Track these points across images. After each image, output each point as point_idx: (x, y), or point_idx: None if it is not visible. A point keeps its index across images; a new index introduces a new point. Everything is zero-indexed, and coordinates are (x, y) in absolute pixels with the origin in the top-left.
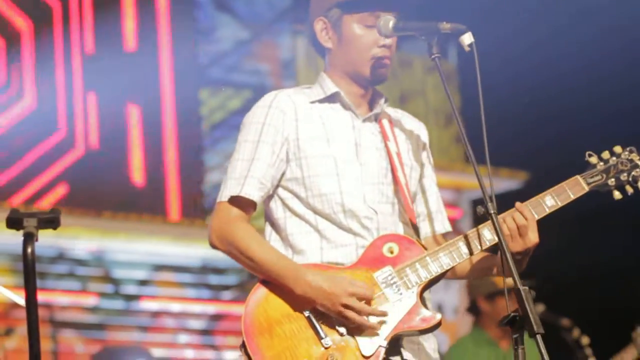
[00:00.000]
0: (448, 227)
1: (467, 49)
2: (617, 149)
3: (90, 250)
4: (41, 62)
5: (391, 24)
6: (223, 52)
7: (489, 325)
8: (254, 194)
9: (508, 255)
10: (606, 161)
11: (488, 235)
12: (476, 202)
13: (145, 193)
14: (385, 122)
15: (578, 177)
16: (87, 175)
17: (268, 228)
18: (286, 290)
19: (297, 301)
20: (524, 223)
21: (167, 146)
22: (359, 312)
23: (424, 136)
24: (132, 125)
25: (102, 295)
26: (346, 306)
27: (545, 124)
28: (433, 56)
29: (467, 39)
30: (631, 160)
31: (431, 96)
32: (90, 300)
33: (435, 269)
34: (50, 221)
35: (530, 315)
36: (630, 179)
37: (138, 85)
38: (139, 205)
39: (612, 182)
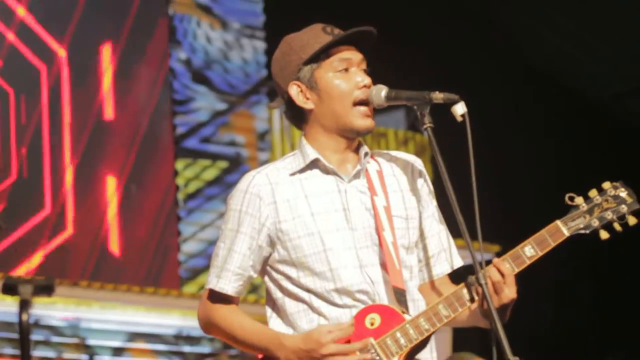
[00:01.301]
0: (457, 262)
1: (459, 119)
2: (605, 185)
3: (66, 318)
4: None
5: (383, 93)
6: (199, 123)
7: None
8: (228, 287)
9: (498, 325)
10: (591, 200)
11: (467, 295)
12: (468, 270)
13: (121, 263)
14: (372, 172)
15: (558, 222)
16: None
17: (268, 309)
18: None
19: None
20: (498, 279)
21: (142, 216)
22: (344, 354)
23: (419, 165)
24: (109, 195)
25: None
26: (327, 355)
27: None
28: (425, 126)
29: (460, 108)
30: (616, 197)
31: None
32: None
33: (415, 336)
34: (46, 288)
35: None
36: (616, 216)
37: (114, 155)
38: (115, 275)
39: (595, 222)
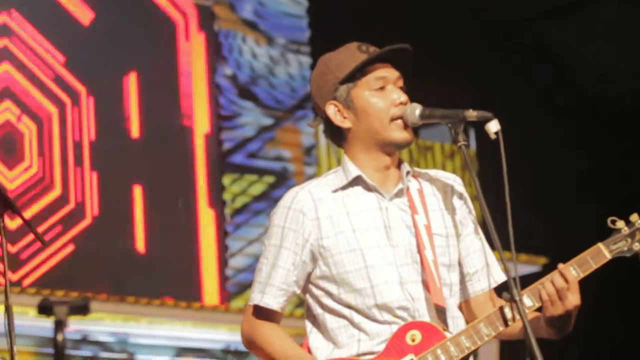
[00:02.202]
0: (499, 278)
1: (493, 136)
2: None
3: (114, 333)
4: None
5: (417, 111)
6: (246, 138)
7: None
8: (273, 303)
9: (534, 343)
10: (632, 224)
11: (509, 314)
12: (501, 288)
13: (169, 278)
14: (414, 191)
15: (600, 244)
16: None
17: (309, 324)
18: None
19: None
20: (562, 285)
21: (198, 232)
22: None
23: (459, 187)
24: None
25: None
26: None
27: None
28: (459, 144)
29: (494, 126)
30: None
31: None
32: None
33: (456, 354)
34: (81, 308)
35: None
36: None
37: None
38: (162, 290)
39: (637, 246)
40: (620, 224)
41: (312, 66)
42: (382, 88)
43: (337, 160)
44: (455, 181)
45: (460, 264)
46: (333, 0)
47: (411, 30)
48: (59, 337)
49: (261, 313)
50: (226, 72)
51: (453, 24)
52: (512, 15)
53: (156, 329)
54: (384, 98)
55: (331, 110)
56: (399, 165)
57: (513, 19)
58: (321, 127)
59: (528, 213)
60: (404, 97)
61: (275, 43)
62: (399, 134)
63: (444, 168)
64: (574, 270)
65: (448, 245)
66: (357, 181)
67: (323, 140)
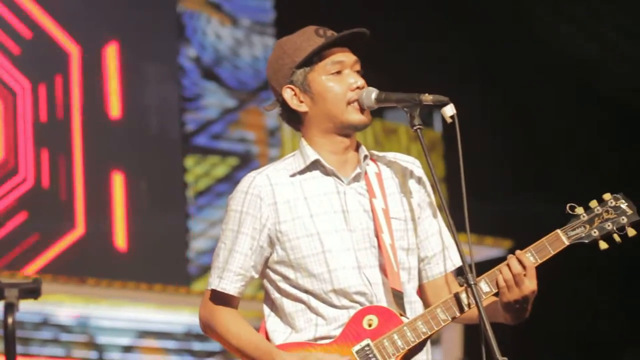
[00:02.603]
0: (457, 261)
1: (449, 120)
2: (606, 196)
3: (75, 316)
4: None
5: (373, 95)
6: (209, 120)
7: None
8: (230, 288)
9: (488, 328)
10: (591, 211)
11: (465, 299)
12: (459, 270)
13: (129, 260)
14: (372, 175)
15: (558, 231)
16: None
17: (266, 308)
18: None
19: None
20: (519, 271)
21: (151, 213)
22: None
23: (418, 171)
24: (116, 192)
25: None
26: None
27: (530, 191)
28: (415, 127)
29: (449, 110)
30: (617, 208)
31: None
32: None
33: (412, 339)
34: (32, 291)
35: None
36: (615, 227)
37: (123, 152)
38: (123, 272)
39: (595, 232)
40: (579, 210)
41: None
42: (338, 72)
43: None
44: (414, 164)
45: (418, 248)
46: None
47: (376, 8)
48: (9, 320)
49: (219, 298)
50: (190, 54)
51: None
52: None
53: (117, 311)
54: (340, 82)
55: (288, 94)
56: (357, 148)
57: None
58: (278, 111)
59: (493, 195)
60: (360, 82)
61: (239, 24)
62: (356, 116)
63: (409, 151)
64: (531, 256)
65: (406, 229)
66: (314, 165)
67: (289, 125)
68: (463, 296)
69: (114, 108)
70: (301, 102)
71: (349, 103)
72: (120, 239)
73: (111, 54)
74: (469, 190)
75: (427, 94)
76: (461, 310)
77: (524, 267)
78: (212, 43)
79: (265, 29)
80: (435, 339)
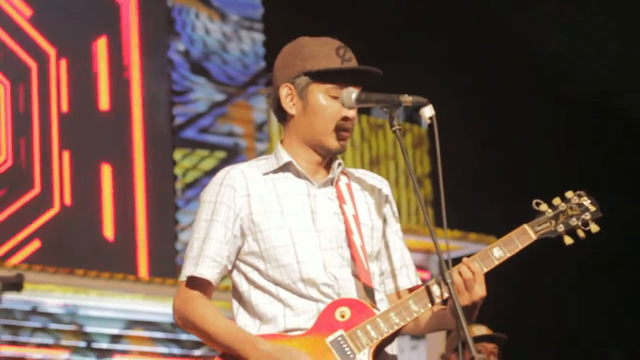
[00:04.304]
0: (415, 281)
1: (427, 121)
2: (569, 194)
3: (63, 305)
4: (18, 120)
5: (354, 96)
6: (198, 113)
7: None
8: (207, 272)
9: (462, 321)
10: (555, 207)
11: (437, 291)
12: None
13: (117, 251)
14: (342, 184)
15: (525, 225)
16: (60, 232)
17: (235, 303)
18: None
19: None
20: (469, 277)
21: (138, 205)
22: None
23: (386, 190)
24: (105, 184)
25: (75, 350)
26: None
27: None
28: (394, 128)
29: (428, 111)
30: (580, 205)
31: (401, 160)
32: (63, 355)
33: (385, 329)
34: (14, 285)
35: None
36: (580, 222)
37: (111, 144)
38: (111, 263)
39: (561, 227)
40: (544, 206)
41: (265, 43)
42: (337, 97)
43: None
44: (382, 183)
45: (384, 259)
46: None
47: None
48: None
49: (195, 285)
50: (179, 48)
51: None
52: None
53: (106, 301)
54: (335, 107)
55: (284, 91)
56: (330, 160)
57: None
58: (269, 100)
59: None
60: (352, 114)
61: (228, 19)
62: (335, 144)
63: (395, 146)
64: (500, 250)
65: (372, 236)
66: (287, 167)
67: (275, 116)
68: (434, 288)
69: (103, 101)
70: (293, 104)
71: (335, 129)
72: (108, 229)
73: (101, 48)
74: (454, 187)
75: (406, 95)
76: (432, 302)
77: (472, 272)
78: (201, 37)
79: (254, 24)
80: (419, 335)
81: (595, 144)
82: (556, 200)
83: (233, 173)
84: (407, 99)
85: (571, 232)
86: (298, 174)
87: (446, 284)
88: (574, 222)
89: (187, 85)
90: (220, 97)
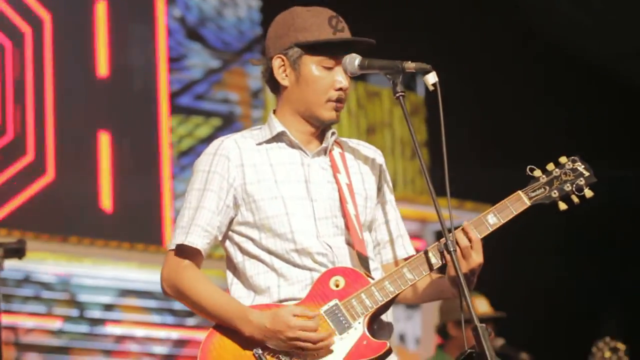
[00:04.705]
0: (411, 251)
1: (431, 88)
2: (562, 159)
3: (57, 274)
4: (14, 86)
5: (357, 62)
6: (193, 80)
7: (454, 351)
8: (198, 242)
9: (466, 291)
10: (549, 173)
11: (433, 259)
12: (440, 234)
13: (113, 220)
14: (336, 153)
15: (520, 192)
16: (55, 200)
17: (229, 274)
18: (236, 333)
19: (247, 342)
20: (466, 244)
21: (136, 173)
22: (307, 342)
23: (380, 160)
24: (102, 151)
25: (67, 319)
26: (293, 339)
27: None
28: (397, 95)
29: (431, 78)
30: (574, 170)
31: (398, 128)
32: (55, 324)
33: (380, 298)
34: (16, 251)
35: (487, 353)
36: (574, 188)
37: (109, 111)
38: (107, 231)
39: (555, 193)
40: (538, 172)
41: (262, 9)
42: (330, 68)
43: None
44: (376, 153)
45: (379, 229)
46: None
47: None
48: None
49: (185, 254)
50: (174, 14)
51: None
52: None
53: (99, 269)
54: (328, 77)
55: (277, 63)
56: (323, 130)
57: None
58: (262, 70)
59: (475, 162)
60: (345, 83)
61: None
62: (328, 114)
63: (391, 114)
64: (494, 217)
65: (366, 205)
66: (280, 137)
67: (267, 87)
68: (430, 255)
69: (102, 67)
70: (286, 76)
71: (328, 100)
72: (106, 198)
73: (100, 13)
74: (449, 155)
75: (409, 62)
76: (427, 270)
77: (470, 240)
78: (197, 3)
79: None
80: (414, 304)
81: (588, 108)
82: (550, 166)
83: (227, 143)
84: (410, 65)
85: (565, 197)
86: (291, 144)
87: (449, 252)
88: (568, 187)
89: (182, 52)
90: (215, 63)
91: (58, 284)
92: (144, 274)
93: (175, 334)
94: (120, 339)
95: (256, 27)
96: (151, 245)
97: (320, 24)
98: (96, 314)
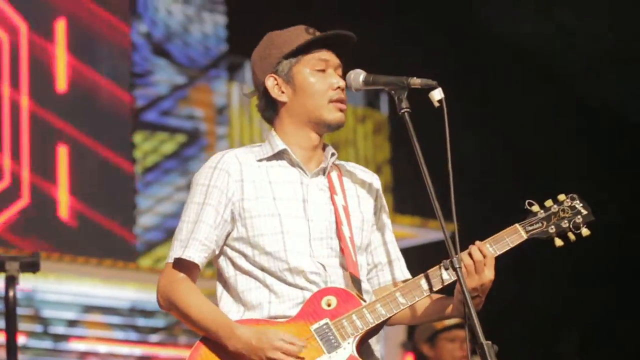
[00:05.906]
0: (407, 275)
1: (436, 104)
2: (561, 197)
3: (21, 289)
4: None
5: (361, 77)
6: (158, 96)
7: None
8: (195, 256)
9: (472, 310)
10: (547, 209)
11: (425, 285)
12: (406, 251)
13: (77, 235)
14: (334, 175)
15: (517, 225)
16: (20, 215)
17: (219, 288)
18: (222, 347)
19: (232, 356)
20: (480, 259)
21: (97, 188)
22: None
23: (376, 184)
24: (61, 166)
25: (31, 334)
26: (273, 359)
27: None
28: (402, 111)
29: (437, 94)
30: (573, 207)
31: (361, 145)
32: (19, 340)
33: (371, 320)
34: (31, 265)
35: None
36: (571, 225)
37: (70, 126)
38: (72, 246)
39: (552, 229)
40: (536, 207)
41: (228, 26)
42: (323, 70)
43: (249, 120)
44: (373, 177)
45: (376, 251)
46: None
47: None
48: (11, 293)
49: (182, 267)
50: (141, 29)
51: None
52: None
53: (63, 285)
54: (323, 80)
55: (270, 82)
56: (324, 148)
57: None
58: (240, 90)
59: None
60: (342, 83)
61: (191, 1)
62: (333, 115)
63: (355, 132)
64: (490, 248)
65: (362, 228)
66: (281, 155)
67: (235, 100)
68: (422, 282)
69: (61, 82)
70: (282, 92)
71: (329, 101)
72: (64, 211)
73: (60, 30)
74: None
75: (415, 78)
76: (420, 295)
77: (484, 255)
78: (163, 19)
79: (216, 6)
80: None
81: (559, 130)
82: (548, 203)
83: (227, 157)
84: (416, 82)
85: (562, 234)
86: (292, 162)
87: (454, 269)
88: (565, 224)
89: (148, 68)
90: (181, 79)
91: (22, 299)
92: (107, 290)
93: (138, 351)
94: (84, 355)
95: (222, 44)
96: (118, 262)
97: (298, 34)
98: (60, 329)
